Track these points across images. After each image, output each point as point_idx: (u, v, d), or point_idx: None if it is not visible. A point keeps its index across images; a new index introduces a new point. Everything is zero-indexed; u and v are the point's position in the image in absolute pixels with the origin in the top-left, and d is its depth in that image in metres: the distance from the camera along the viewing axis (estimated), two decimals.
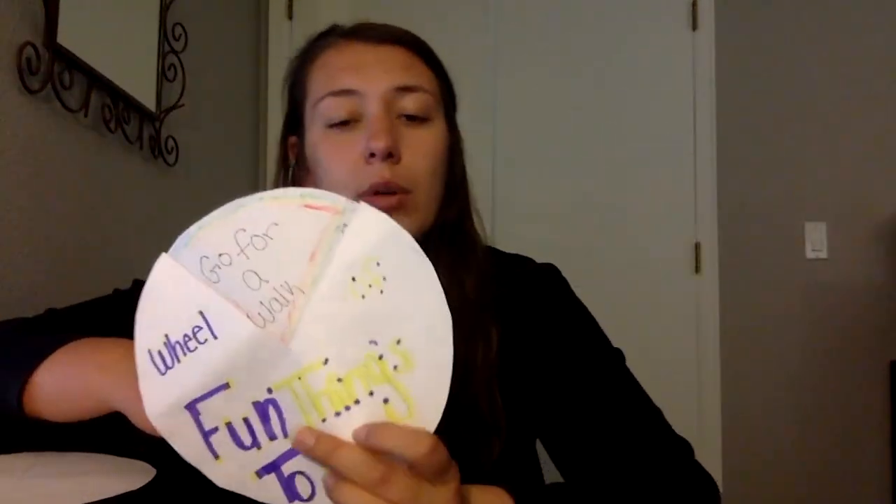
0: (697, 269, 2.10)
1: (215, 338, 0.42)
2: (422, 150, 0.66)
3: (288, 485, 0.43)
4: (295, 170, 0.73)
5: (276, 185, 0.73)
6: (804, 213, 2.14)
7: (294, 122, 0.73)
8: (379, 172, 0.63)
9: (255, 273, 0.43)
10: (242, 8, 2.05)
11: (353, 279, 0.43)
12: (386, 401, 0.42)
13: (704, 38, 2.12)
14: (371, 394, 0.42)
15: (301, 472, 0.43)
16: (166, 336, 0.43)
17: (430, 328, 0.43)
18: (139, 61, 1.39)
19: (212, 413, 0.42)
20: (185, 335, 0.42)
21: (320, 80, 0.68)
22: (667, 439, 0.67)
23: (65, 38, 1.09)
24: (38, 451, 0.55)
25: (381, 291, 0.43)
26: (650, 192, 2.11)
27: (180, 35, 1.52)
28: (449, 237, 0.69)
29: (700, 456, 0.69)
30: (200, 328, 0.42)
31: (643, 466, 0.63)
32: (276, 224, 0.43)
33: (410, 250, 0.44)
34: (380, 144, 0.62)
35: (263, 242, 0.43)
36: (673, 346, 2.08)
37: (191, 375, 0.42)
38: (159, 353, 0.43)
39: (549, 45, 2.16)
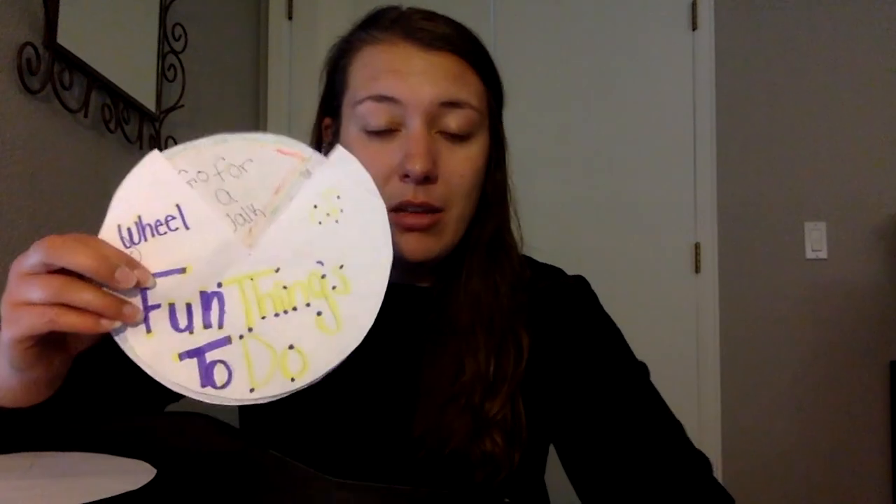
0: (697, 269, 2.10)
1: (187, 228, 0.48)
2: (458, 170, 0.64)
3: (207, 371, 0.47)
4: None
5: None
6: (804, 213, 2.14)
7: (330, 106, 0.70)
8: (413, 193, 0.62)
9: (227, 192, 0.49)
10: (242, 8, 2.05)
11: (315, 206, 0.49)
12: (319, 313, 0.48)
13: (704, 38, 2.12)
14: (308, 305, 0.48)
15: (222, 362, 0.47)
16: (139, 217, 0.48)
17: (372, 261, 0.49)
18: (139, 61, 1.39)
19: (160, 291, 0.47)
20: (158, 220, 0.48)
21: (362, 80, 0.65)
22: (683, 454, 0.65)
23: (65, 38, 1.09)
24: (38, 451, 0.55)
25: (337, 221, 0.49)
26: (650, 192, 2.11)
27: (180, 35, 1.52)
28: (486, 247, 0.69)
29: None
30: (174, 217, 0.48)
31: (657, 480, 0.61)
32: (251, 160, 0.50)
33: (370, 192, 0.50)
34: (416, 168, 0.60)
35: (238, 172, 0.49)
36: (673, 345, 2.08)
37: (154, 253, 0.47)
38: (128, 229, 0.48)
39: (548, 45, 2.16)
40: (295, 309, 0.48)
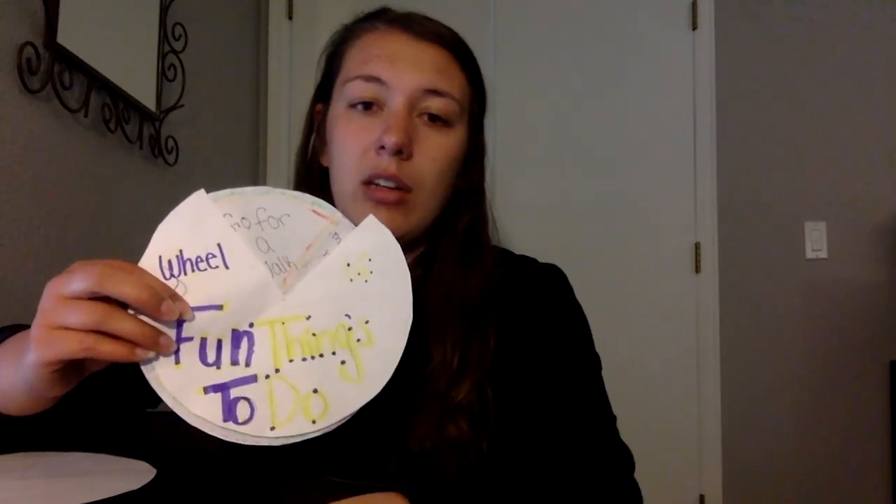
0: (697, 268, 2.10)
1: (227, 268, 0.50)
2: (433, 153, 0.67)
3: (230, 406, 0.48)
4: (315, 139, 0.74)
5: (301, 150, 0.75)
6: (804, 213, 2.14)
7: (324, 92, 0.74)
8: (385, 165, 0.64)
9: (266, 241, 0.52)
10: (242, 8, 2.05)
11: (348, 265, 0.53)
12: (343, 362, 0.50)
13: (704, 38, 2.13)
14: (333, 353, 0.50)
15: (246, 399, 0.48)
16: (180, 251, 0.50)
17: (395, 320, 0.52)
18: (139, 61, 1.39)
19: (196, 325, 0.49)
20: (199, 257, 0.50)
21: (355, 62, 0.69)
22: (607, 448, 0.67)
23: (65, 38, 1.09)
24: (38, 451, 0.55)
25: (366, 281, 0.53)
26: (650, 192, 2.11)
27: (180, 35, 1.52)
28: (460, 240, 0.71)
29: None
30: (214, 256, 0.50)
31: (576, 470, 0.64)
32: (289, 215, 0.53)
33: (398, 260, 0.54)
34: (392, 139, 0.63)
35: (277, 224, 0.53)
36: (673, 345, 2.08)
37: (193, 287, 0.49)
38: (169, 261, 0.49)
39: (549, 45, 2.16)
40: (322, 356, 0.50)
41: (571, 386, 0.68)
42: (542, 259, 0.77)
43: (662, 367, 2.05)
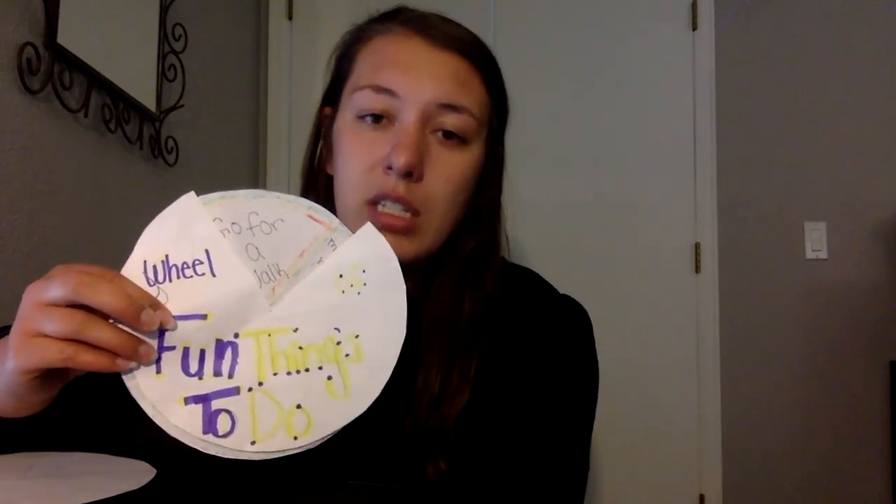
0: (697, 269, 2.10)
1: (213, 275, 0.48)
2: (445, 174, 0.62)
3: (210, 418, 0.47)
4: (322, 145, 0.70)
5: (308, 157, 0.71)
6: (804, 213, 2.14)
7: (332, 95, 0.69)
8: (393, 186, 0.60)
9: (256, 248, 0.50)
10: (242, 8, 2.05)
11: (341, 276, 0.51)
12: (329, 378, 0.49)
13: (704, 38, 2.12)
14: (320, 368, 0.49)
15: (227, 411, 0.47)
16: (166, 256, 0.48)
17: (387, 335, 0.50)
18: (139, 61, 1.39)
19: (178, 334, 0.47)
20: (185, 263, 0.48)
21: (367, 67, 0.64)
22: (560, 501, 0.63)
23: (65, 38, 1.09)
24: (38, 452, 0.55)
25: (359, 293, 0.50)
26: (650, 192, 2.11)
27: (180, 35, 1.52)
28: (462, 262, 0.67)
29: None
30: (201, 262, 0.48)
31: None
32: (282, 220, 0.51)
33: (393, 272, 0.52)
34: (401, 160, 0.59)
35: (269, 229, 0.50)
36: (673, 346, 2.08)
37: (177, 295, 0.48)
38: (154, 267, 0.48)
39: (548, 45, 2.16)
40: (307, 370, 0.49)
41: (549, 428, 0.63)
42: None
43: (662, 367, 2.05)
